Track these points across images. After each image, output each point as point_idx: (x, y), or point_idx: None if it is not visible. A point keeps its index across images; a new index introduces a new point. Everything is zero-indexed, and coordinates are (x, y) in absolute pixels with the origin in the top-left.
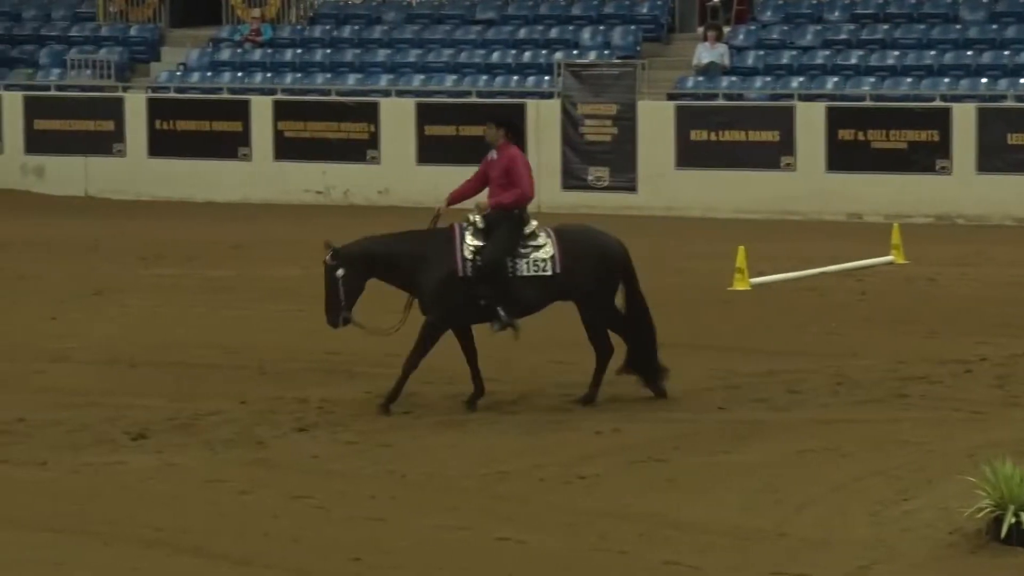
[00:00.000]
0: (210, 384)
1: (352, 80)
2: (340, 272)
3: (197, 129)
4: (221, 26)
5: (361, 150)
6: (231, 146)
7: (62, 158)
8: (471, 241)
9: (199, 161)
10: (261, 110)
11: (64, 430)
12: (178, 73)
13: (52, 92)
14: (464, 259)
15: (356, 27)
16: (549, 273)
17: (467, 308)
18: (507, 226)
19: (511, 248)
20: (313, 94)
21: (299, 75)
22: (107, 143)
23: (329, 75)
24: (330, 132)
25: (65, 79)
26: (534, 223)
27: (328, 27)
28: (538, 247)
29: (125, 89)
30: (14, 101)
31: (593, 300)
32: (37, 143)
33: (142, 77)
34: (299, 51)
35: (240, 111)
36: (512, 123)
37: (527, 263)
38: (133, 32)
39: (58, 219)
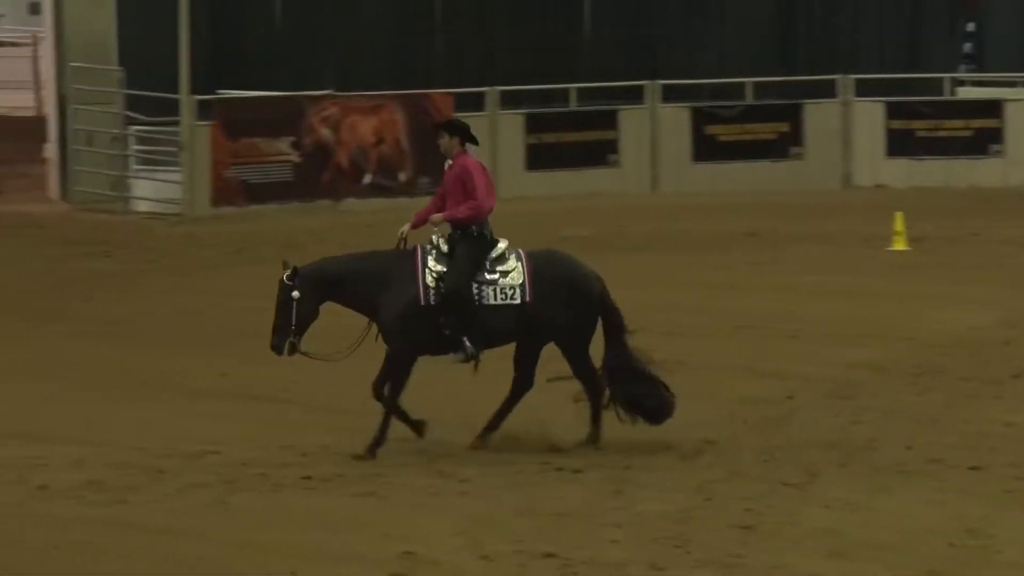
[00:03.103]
0: None
1: None
2: (295, 294)
3: None
4: None
5: None
6: None
7: None
8: (433, 266)
9: None
10: None
11: None
12: None
13: None
14: (426, 286)
15: None
16: (518, 302)
17: (431, 337)
18: (466, 248)
19: (473, 273)
20: None
21: None
22: None
23: None
24: None
25: None
26: (503, 244)
27: None
28: (507, 272)
29: None
30: None
31: (572, 337)
32: None
33: None
34: None
35: None
36: (465, 130)
37: (494, 290)
38: None
39: None
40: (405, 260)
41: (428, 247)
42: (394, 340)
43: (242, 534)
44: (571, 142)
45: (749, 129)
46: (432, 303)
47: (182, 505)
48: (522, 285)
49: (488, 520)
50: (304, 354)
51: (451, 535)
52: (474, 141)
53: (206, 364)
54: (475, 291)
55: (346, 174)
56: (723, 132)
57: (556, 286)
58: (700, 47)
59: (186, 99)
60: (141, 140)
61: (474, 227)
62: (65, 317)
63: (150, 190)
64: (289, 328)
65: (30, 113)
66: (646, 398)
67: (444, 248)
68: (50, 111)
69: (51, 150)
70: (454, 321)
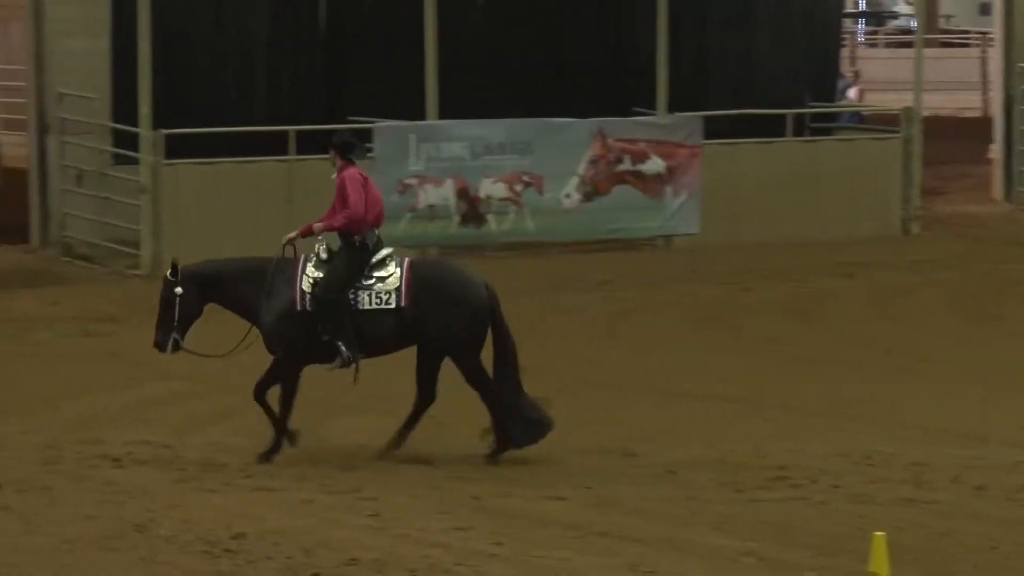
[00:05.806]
0: None
1: None
2: (178, 290)
3: None
4: None
5: None
6: None
7: None
8: (311, 272)
9: None
10: None
11: None
12: None
13: None
14: (302, 292)
15: None
16: (392, 306)
17: (310, 344)
18: (344, 255)
19: (348, 279)
20: None
21: None
22: None
23: None
24: None
25: None
26: (387, 251)
27: None
28: (383, 278)
29: None
30: None
31: (455, 344)
32: None
33: None
34: None
35: None
36: (343, 145)
37: (369, 295)
38: None
39: None
40: (287, 267)
41: (311, 255)
42: (275, 346)
43: None
44: None
45: None
46: (308, 309)
47: None
48: (398, 289)
49: None
50: (187, 351)
51: None
52: (357, 155)
53: None
54: (351, 296)
55: None
56: None
57: (435, 292)
58: None
59: None
60: None
61: (356, 237)
62: (1005, 317)
63: None
64: (171, 325)
65: (976, 114)
66: (528, 410)
67: (324, 256)
68: (996, 112)
69: (996, 151)
70: (328, 326)
